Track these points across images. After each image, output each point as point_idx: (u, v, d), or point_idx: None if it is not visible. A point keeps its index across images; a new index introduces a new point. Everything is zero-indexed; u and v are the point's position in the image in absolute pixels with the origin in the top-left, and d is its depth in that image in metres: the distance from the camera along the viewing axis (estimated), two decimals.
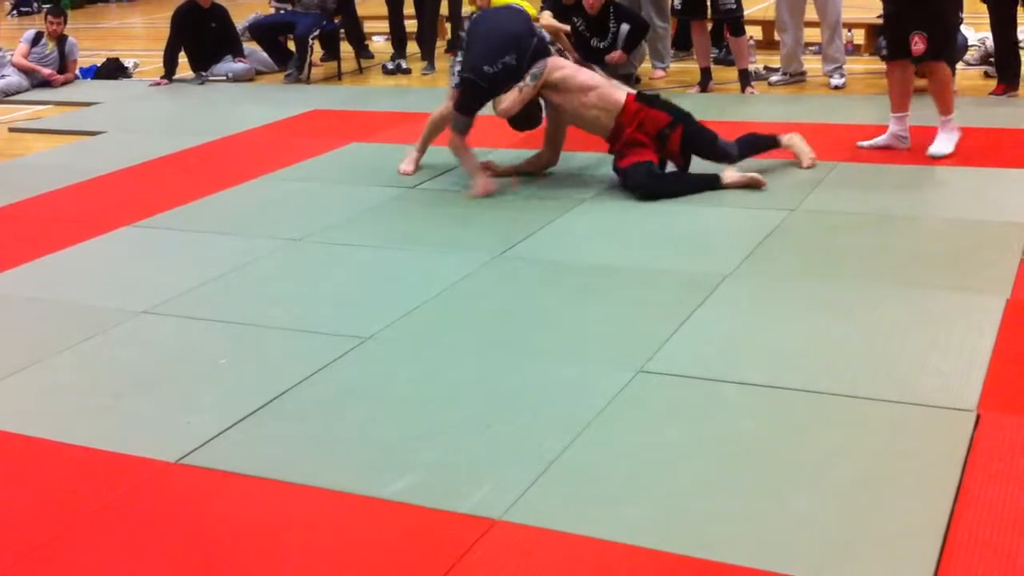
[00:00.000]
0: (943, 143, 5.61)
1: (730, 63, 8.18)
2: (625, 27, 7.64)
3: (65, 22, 9.89)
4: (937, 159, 5.52)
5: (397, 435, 3.14)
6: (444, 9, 9.27)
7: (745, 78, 7.65)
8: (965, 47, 7.73)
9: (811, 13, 7.68)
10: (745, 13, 7.82)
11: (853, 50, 8.63)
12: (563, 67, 5.37)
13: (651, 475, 2.84)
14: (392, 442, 3.10)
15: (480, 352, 3.67)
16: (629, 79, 7.58)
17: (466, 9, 7.86)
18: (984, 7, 6.87)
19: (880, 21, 7.77)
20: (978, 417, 3.00)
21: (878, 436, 2.97)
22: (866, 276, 4.10)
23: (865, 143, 5.88)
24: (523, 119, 5.53)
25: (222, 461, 3.05)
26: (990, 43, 7.09)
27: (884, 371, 3.32)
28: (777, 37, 8.18)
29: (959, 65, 7.06)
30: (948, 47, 5.75)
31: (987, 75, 7.21)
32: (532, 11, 8.33)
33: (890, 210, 4.83)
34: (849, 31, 8.59)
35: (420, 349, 3.73)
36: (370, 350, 3.73)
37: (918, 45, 5.46)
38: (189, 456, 3.08)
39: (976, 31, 8.15)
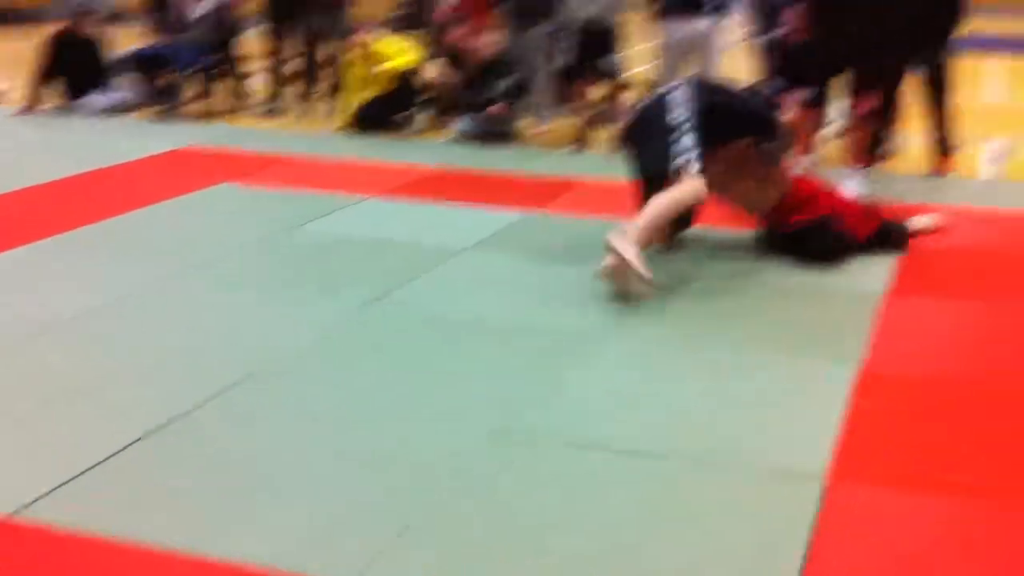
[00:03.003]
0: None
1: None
2: (508, 81, 7.75)
3: None
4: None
5: (247, 490, 3.04)
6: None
7: None
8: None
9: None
10: (627, 73, 7.99)
11: None
12: None
13: (513, 542, 2.81)
14: (244, 498, 3.00)
15: (336, 405, 3.59)
16: (508, 134, 7.67)
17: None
18: None
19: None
20: (825, 486, 3.05)
21: (725, 503, 2.99)
22: (723, 342, 4.15)
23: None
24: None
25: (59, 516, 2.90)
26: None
27: (732, 438, 3.35)
28: None
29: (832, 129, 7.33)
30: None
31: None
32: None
33: (751, 276, 4.93)
34: None
35: (274, 400, 3.64)
36: (227, 400, 3.62)
37: (865, 107, 5.74)
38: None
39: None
